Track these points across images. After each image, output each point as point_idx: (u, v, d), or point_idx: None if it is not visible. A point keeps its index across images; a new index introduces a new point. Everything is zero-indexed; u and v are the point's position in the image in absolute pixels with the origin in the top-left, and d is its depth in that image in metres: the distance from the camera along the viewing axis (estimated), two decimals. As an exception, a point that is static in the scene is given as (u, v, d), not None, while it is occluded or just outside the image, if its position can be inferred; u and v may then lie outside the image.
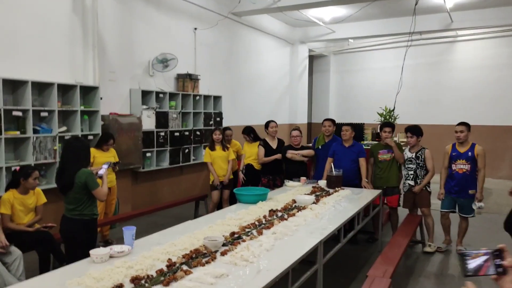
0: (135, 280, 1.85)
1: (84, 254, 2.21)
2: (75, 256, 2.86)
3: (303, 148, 4.96)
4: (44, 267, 3.35)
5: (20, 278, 3.03)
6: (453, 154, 4.25)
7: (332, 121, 4.95)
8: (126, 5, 5.51)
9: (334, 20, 8.97)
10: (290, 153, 4.79)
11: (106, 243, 4.33)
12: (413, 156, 4.41)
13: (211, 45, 7.21)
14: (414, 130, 4.41)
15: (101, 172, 3.07)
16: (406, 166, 4.50)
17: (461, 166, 4.20)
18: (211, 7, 6.99)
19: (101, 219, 4.30)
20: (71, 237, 2.90)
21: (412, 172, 4.42)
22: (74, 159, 2.87)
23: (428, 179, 4.33)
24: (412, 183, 4.43)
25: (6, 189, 3.47)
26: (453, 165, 4.25)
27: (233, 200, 4.60)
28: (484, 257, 1.02)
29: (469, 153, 4.16)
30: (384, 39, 10.45)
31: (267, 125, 5.15)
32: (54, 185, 4.36)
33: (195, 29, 6.76)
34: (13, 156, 4.20)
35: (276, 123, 5.18)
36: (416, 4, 6.42)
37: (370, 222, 4.38)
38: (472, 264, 1.01)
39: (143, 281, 1.85)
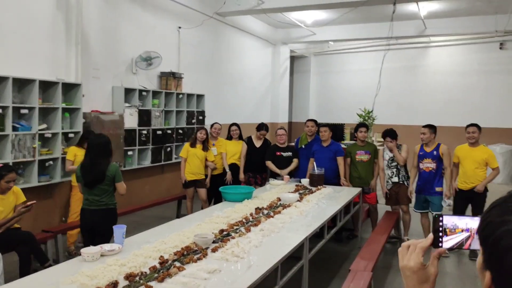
0: (129, 277, 1.88)
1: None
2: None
3: (288, 147, 5.09)
4: (24, 269, 3.26)
5: (-1, 280, 2.95)
6: (420, 153, 4.50)
7: (315, 121, 5.12)
8: (111, 2, 5.43)
9: (316, 23, 9.16)
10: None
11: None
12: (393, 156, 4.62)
13: (195, 44, 7.20)
14: (392, 134, 4.62)
15: None
16: (390, 165, 4.70)
17: (428, 164, 4.44)
18: (196, 6, 6.98)
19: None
20: (94, 228, 3.07)
21: (395, 170, 4.63)
22: (104, 154, 3.10)
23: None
24: (396, 179, 4.63)
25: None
26: (420, 164, 4.49)
27: (218, 199, 4.64)
28: (467, 233, 0.79)
29: (434, 152, 4.41)
30: (363, 43, 10.75)
31: (259, 128, 5.24)
32: (32, 184, 4.29)
33: (179, 28, 6.73)
34: (-9, 154, 4.06)
35: (266, 131, 5.23)
36: (393, 12, 6.70)
37: (350, 219, 4.54)
38: (450, 241, 0.79)
39: (137, 278, 1.88)
